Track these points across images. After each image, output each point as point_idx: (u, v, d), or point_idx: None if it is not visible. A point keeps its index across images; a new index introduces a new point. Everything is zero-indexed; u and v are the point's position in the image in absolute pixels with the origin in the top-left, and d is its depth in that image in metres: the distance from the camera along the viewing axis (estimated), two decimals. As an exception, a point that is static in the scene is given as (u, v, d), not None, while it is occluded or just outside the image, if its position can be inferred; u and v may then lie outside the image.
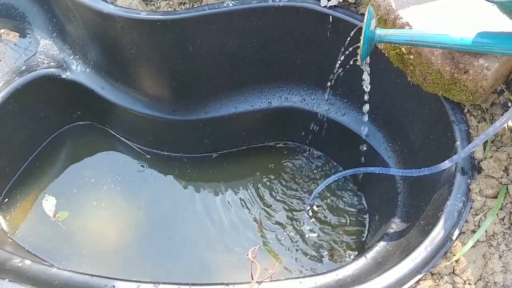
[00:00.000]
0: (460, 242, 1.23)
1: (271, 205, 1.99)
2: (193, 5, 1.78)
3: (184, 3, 1.80)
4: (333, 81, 1.71)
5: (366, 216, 1.93)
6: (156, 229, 1.93)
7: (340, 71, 1.64)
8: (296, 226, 1.93)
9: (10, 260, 1.35)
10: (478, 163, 1.33)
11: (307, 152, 2.11)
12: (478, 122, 1.39)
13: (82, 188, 2.02)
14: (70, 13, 1.83)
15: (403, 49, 1.43)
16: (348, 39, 1.55)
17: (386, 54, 1.51)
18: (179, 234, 1.92)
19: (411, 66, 1.44)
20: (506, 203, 1.26)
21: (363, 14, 1.61)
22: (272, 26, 1.75)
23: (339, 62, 1.63)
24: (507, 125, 1.35)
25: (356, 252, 1.84)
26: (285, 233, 1.91)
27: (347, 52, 1.58)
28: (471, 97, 1.35)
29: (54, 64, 1.95)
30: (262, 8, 1.70)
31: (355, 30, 1.54)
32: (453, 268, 1.20)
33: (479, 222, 1.25)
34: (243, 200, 2.01)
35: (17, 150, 1.97)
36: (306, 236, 1.90)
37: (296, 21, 1.73)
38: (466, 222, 1.25)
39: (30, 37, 2.00)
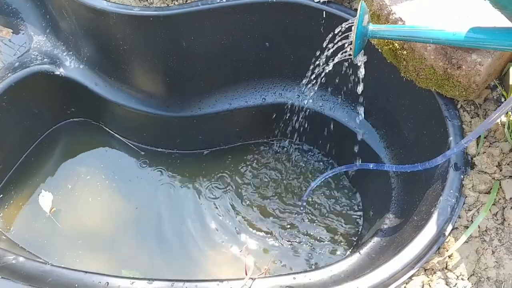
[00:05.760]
0: (453, 237, 1.23)
1: (266, 201, 1.99)
2: (186, 1, 1.78)
3: (177, -2, 1.80)
4: (323, 76, 1.71)
5: (360, 211, 1.93)
6: (150, 226, 1.93)
7: (332, 66, 1.63)
8: (290, 222, 1.93)
9: (4, 257, 1.34)
10: (471, 158, 1.33)
11: (301, 148, 2.11)
12: (471, 118, 1.39)
13: (77, 184, 2.02)
14: (63, 9, 1.83)
15: (396, 44, 1.43)
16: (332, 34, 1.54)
17: (380, 50, 1.51)
18: (173, 231, 1.91)
19: (404, 61, 1.44)
20: (499, 199, 1.26)
21: (356, 9, 1.61)
22: (266, 22, 1.75)
23: (327, 56, 1.63)
24: (500, 121, 1.35)
25: (350, 248, 1.84)
26: (279, 229, 1.91)
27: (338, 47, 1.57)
28: (464, 93, 1.35)
29: (47, 60, 1.94)
30: (255, 3, 1.70)
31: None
32: (446, 264, 1.20)
33: (472, 218, 1.25)
34: (237, 196, 2.01)
35: (11, 147, 1.96)
36: (300, 231, 1.90)
37: (289, 17, 1.72)
38: (459, 217, 1.25)
39: (23, 34, 1.99)
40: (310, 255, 1.84)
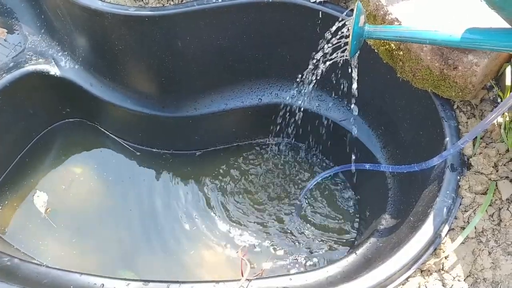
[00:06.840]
0: (450, 238, 1.23)
1: (262, 202, 1.99)
2: (182, 1, 1.78)
3: (173, -2, 1.80)
4: (319, 76, 1.70)
5: (357, 212, 1.93)
6: (145, 227, 1.92)
7: (328, 66, 1.63)
8: (286, 222, 1.93)
9: (-2, 259, 1.34)
10: (468, 159, 1.33)
11: (298, 148, 2.11)
12: (468, 118, 1.39)
13: (72, 185, 2.02)
14: (58, 9, 1.82)
15: (393, 45, 1.43)
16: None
17: (376, 50, 1.51)
18: (168, 232, 1.91)
19: (400, 62, 1.43)
20: (495, 200, 1.26)
21: (352, 10, 1.61)
22: (262, 22, 1.74)
23: (323, 56, 1.62)
24: (497, 121, 1.35)
25: (347, 249, 1.84)
26: (274, 229, 1.91)
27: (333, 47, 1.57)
28: (460, 93, 1.35)
29: (42, 60, 1.93)
30: (251, 3, 1.69)
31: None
32: (442, 265, 1.20)
33: (468, 219, 1.24)
34: (234, 196, 2.00)
35: (6, 147, 1.95)
36: (296, 232, 1.90)
37: (286, 17, 1.72)
38: (456, 218, 1.25)
39: (18, 34, 1.98)
40: (306, 255, 1.83)
